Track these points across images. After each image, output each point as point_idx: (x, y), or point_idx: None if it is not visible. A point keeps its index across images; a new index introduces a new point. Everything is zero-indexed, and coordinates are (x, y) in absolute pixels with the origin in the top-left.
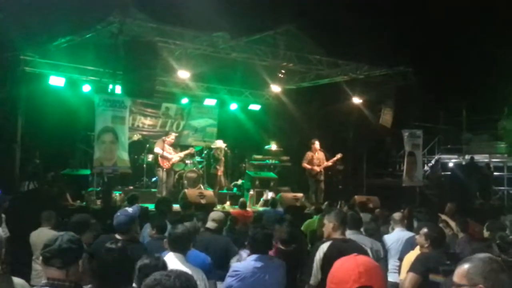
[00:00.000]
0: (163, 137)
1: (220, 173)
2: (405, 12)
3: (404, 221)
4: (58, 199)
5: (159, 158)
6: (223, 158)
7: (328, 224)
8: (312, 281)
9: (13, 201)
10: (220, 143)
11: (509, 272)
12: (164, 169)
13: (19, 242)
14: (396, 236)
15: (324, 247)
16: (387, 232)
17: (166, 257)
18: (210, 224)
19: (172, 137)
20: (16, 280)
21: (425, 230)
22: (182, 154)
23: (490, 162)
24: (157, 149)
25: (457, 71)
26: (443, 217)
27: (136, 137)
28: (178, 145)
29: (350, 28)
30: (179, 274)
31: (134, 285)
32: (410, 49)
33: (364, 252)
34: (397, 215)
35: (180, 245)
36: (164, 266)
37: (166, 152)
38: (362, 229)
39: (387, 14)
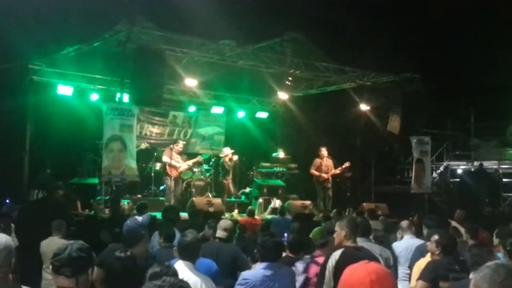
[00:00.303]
0: (171, 145)
1: (228, 181)
2: (412, 19)
3: (413, 228)
4: (68, 209)
5: (167, 166)
6: (231, 165)
7: (340, 232)
8: None
9: (22, 210)
10: (227, 151)
11: None
12: (172, 178)
13: (28, 251)
14: (405, 243)
15: (336, 254)
16: (394, 240)
17: (175, 265)
18: (220, 233)
19: (180, 145)
20: None
21: (436, 237)
22: (190, 162)
23: (499, 169)
24: (165, 158)
25: (465, 77)
26: (454, 223)
27: (143, 145)
28: (185, 153)
29: (357, 35)
30: (174, 283)
31: None
32: (417, 56)
33: (376, 260)
34: (404, 223)
35: (189, 253)
36: (174, 274)
37: (174, 161)
38: (371, 237)
39: (394, 21)
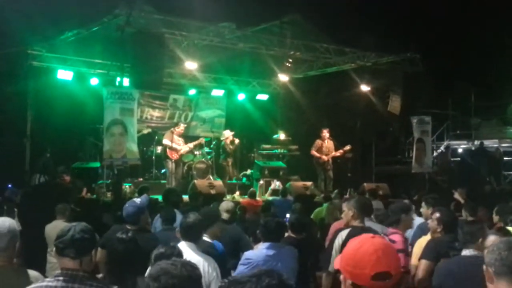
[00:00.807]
0: (172, 128)
1: (229, 163)
2: None
3: (413, 207)
4: (72, 192)
5: (168, 149)
6: (231, 148)
7: (348, 212)
8: (331, 268)
9: (24, 194)
10: (227, 133)
11: None
12: (173, 161)
13: (32, 235)
14: None
15: (343, 234)
16: None
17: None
18: (223, 215)
19: (181, 128)
20: (32, 273)
21: (437, 215)
22: (191, 144)
23: (500, 147)
24: (165, 141)
25: (465, 57)
26: (457, 195)
27: (146, 130)
28: (186, 136)
29: (356, 15)
30: (185, 263)
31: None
32: (417, 36)
33: None
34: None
35: (191, 234)
36: (179, 254)
37: (175, 143)
38: (372, 216)
39: (394, 1)
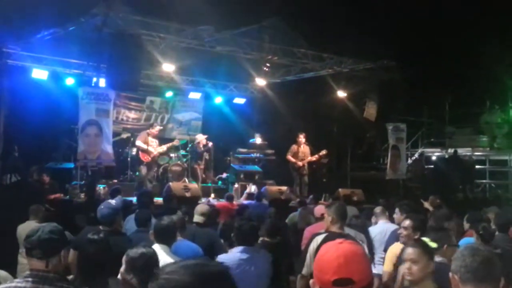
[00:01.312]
0: (148, 130)
1: (200, 166)
2: (389, 6)
3: (387, 213)
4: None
5: (140, 152)
6: (204, 152)
7: (327, 217)
8: (305, 271)
9: None
10: (200, 137)
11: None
12: (145, 163)
13: (4, 236)
14: (380, 228)
15: (318, 238)
16: (369, 225)
17: None
18: (197, 218)
19: (156, 129)
20: (1, 273)
21: (408, 222)
22: (165, 146)
23: (472, 156)
24: (138, 143)
25: (440, 65)
26: (426, 204)
27: (125, 135)
28: (162, 139)
29: (334, 22)
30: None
31: (118, 276)
32: (393, 44)
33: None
34: (378, 208)
35: (165, 237)
36: (154, 255)
37: (150, 145)
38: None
39: (372, 8)
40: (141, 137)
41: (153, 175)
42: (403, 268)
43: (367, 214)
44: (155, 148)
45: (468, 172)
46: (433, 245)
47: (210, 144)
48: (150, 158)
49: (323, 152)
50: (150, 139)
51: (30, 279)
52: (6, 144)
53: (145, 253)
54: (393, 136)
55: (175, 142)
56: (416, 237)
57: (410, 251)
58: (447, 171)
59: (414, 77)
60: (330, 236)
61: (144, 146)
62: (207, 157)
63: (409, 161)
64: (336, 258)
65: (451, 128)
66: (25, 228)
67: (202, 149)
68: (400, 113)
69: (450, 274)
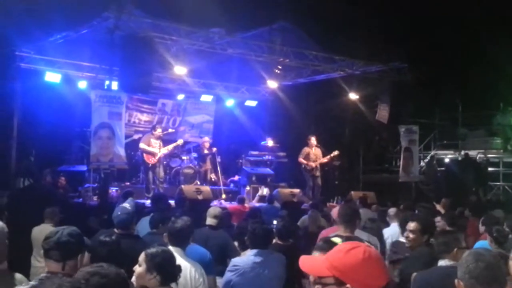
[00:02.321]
0: (151, 132)
1: (205, 168)
2: (401, 8)
3: (400, 215)
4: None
5: (144, 154)
6: (209, 155)
7: (335, 220)
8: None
9: (11, 197)
10: (204, 139)
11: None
12: (150, 165)
13: (18, 238)
14: (391, 230)
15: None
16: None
17: None
18: (210, 221)
19: (159, 131)
20: (18, 276)
21: (414, 225)
22: (170, 147)
23: (486, 158)
24: (142, 145)
25: (453, 67)
26: (438, 207)
27: (136, 136)
28: (174, 142)
29: (346, 24)
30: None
31: (132, 280)
32: (405, 45)
33: None
34: (391, 211)
35: (179, 240)
36: (171, 257)
37: (152, 147)
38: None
39: (383, 10)
40: (145, 140)
41: (163, 176)
42: None
43: (381, 216)
44: (159, 149)
45: (482, 174)
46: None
47: (214, 149)
48: (155, 160)
49: (335, 153)
50: (153, 141)
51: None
52: (21, 148)
53: (165, 250)
54: (405, 138)
55: (179, 142)
56: (424, 240)
57: None
58: (459, 173)
59: (426, 78)
60: None
61: (148, 148)
62: (211, 160)
63: (422, 163)
64: (382, 261)
65: (463, 130)
66: (40, 231)
67: (206, 152)
68: (412, 115)
69: (456, 281)
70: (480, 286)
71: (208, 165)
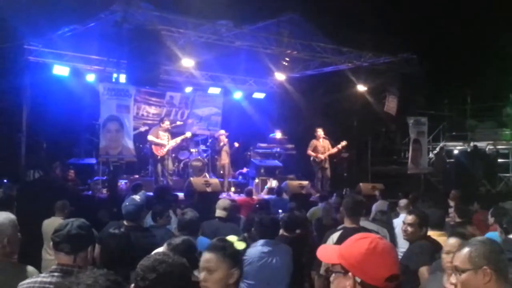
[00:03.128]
0: (159, 125)
1: (221, 163)
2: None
3: (410, 207)
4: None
5: (153, 146)
6: (224, 148)
7: (342, 212)
8: (322, 271)
9: (21, 189)
10: (220, 133)
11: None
12: (159, 157)
13: (28, 231)
14: (400, 220)
15: (334, 236)
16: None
17: None
18: (219, 213)
19: (167, 123)
20: (30, 268)
21: (413, 218)
22: (178, 139)
23: (495, 149)
24: (150, 137)
25: (461, 58)
26: (451, 203)
27: (143, 128)
28: (182, 134)
29: (354, 16)
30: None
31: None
32: (414, 36)
33: None
34: (402, 202)
35: (188, 230)
36: (193, 245)
37: (160, 139)
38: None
39: (391, 1)
40: (153, 132)
41: (172, 169)
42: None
43: (391, 208)
44: (167, 142)
45: (491, 166)
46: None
47: (236, 144)
48: (164, 152)
49: (343, 143)
50: (161, 133)
51: (55, 273)
52: (30, 140)
53: (187, 240)
54: (414, 130)
55: (187, 135)
56: (422, 233)
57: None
58: (469, 165)
59: (434, 70)
60: (346, 232)
61: (157, 140)
62: (228, 151)
63: (431, 155)
64: (390, 253)
65: (473, 122)
66: (51, 223)
67: (221, 145)
68: (421, 107)
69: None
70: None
71: (224, 159)
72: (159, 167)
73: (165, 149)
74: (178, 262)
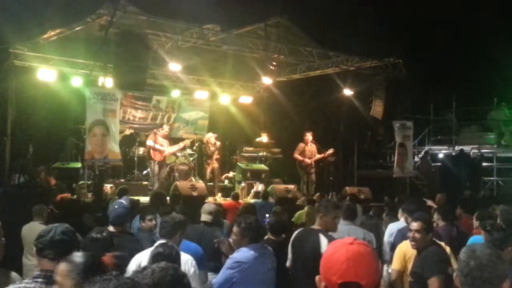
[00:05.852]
0: (156, 130)
1: (210, 166)
2: (395, 4)
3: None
4: (52, 193)
5: (151, 150)
6: (213, 152)
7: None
8: (289, 264)
9: (4, 194)
10: (208, 136)
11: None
12: (156, 162)
13: (10, 236)
14: (399, 224)
15: (295, 233)
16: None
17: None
18: (204, 217)
19: (166, 130)
20: (13, 274)
21: (419, 224)
22: (177, 147)
23: (480, 153)
24: (149, 142)
25: (447, 63)
26: (429, 202)
27: (128, 131)
28: (170, 138)
29: (340, 20)
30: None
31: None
32: (400, 41)
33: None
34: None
35: (169, 234)
36: (177, 254)
37: (159, 145)
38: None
39: (378, 6)
40: (151, 137)
41: (164, 174)
42: None
43: (376, 212)
44: (166, 148)
45: (476, 170)
46: None
47: (218, 143)
48: (162, 157)
49: (330, 151)
50: (160, 139)
51: (39, 279)
52: (14, 145)
53: (162, 252)
54: (400, 134)
55: (186, 143)
56: (429, 239)
57: None
58: (454, 168)
59: (420, 74)
60: (301, 231)
61: (157, 145)
62: (217, 156)
63: (416, 159)
64: (344, 261)
65: (450, 115)
66: (29, 228)
67: (212, 148)
68: (407, 111)
69: (454, 274)
70: (469, 286)
71: (214, 163)
72: (156, 170)
73: (163, 155)
74: (173, 269)
